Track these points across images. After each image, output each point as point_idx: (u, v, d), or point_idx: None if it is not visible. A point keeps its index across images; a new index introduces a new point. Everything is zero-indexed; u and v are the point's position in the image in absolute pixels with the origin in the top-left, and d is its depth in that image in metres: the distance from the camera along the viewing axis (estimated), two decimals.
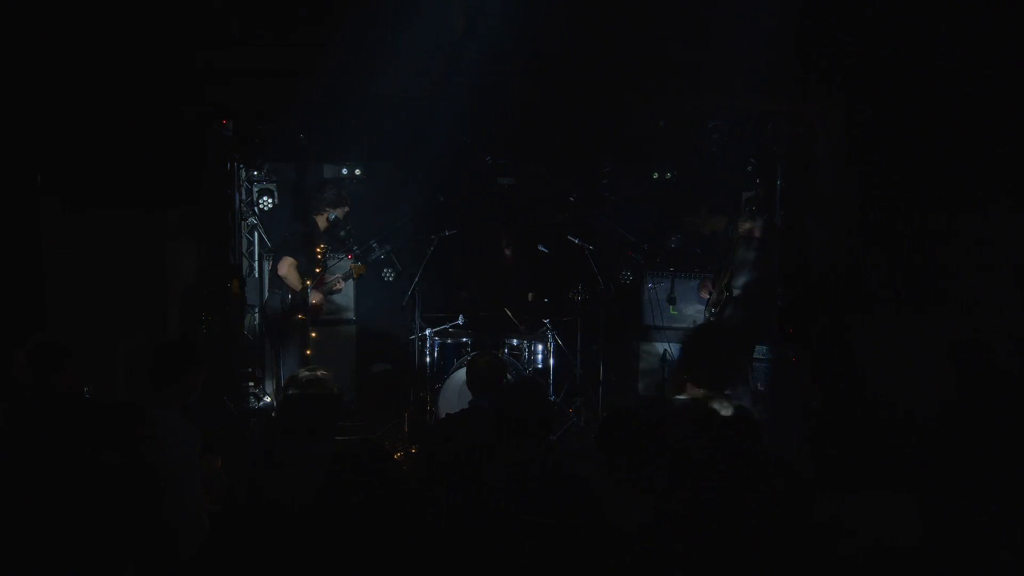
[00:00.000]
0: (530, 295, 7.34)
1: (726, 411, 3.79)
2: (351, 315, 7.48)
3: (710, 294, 6.20)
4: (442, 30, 5.28)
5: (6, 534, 2.90)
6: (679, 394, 3.93)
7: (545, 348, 6.66)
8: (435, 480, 3.51)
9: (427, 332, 6.72)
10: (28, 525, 2.93)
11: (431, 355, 6.68)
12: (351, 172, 7.59)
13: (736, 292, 5.91)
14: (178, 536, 3.28)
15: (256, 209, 7.27)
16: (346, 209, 6.73)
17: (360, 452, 3.25)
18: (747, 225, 5.75)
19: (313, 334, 6.15)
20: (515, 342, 6.74)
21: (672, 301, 7.06)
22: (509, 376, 3.62)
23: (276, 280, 6.55)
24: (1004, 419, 3.18)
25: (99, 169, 5.44)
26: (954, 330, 4.16)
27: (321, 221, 6.67)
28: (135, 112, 5.49)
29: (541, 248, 7.26)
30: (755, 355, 6.55)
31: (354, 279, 6.98)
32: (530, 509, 2.89)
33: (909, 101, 4.47)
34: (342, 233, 7.53)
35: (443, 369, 6.63)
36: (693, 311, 6.98)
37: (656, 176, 7.57)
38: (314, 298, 6.49)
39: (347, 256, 7.50)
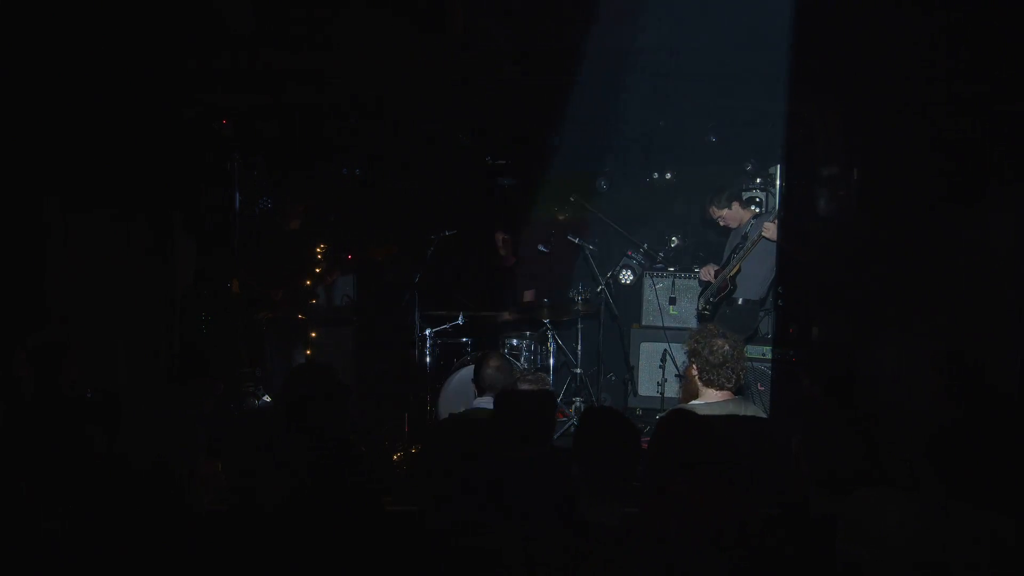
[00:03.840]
0: (530, 295, 7.35)
1: (749, 411, 3.80)
2: (351, 315, 7.48)
3: (711, 279, 6.20)
4: (441, 30, 5.28)
5: (6, 534, 2.90)
6: (694, 399, 3.91)
7: (545, 348, 6.66)
8: (434, 481, 3.51)
9: (427, 332, 6.72)
10: (28, 525, 2.93)
11: (431, 355, 6.69)
12: (351, 172, 7.60)
13: (738, 291, 5.91)
14: (177, 534, 3.27)
15: (256, 209, 7.26)
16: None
17: (345, 451, 3.26)
18: (772, 229, 5.74)
19: (313, 334, 6.16)
20: (515, 342, 6.74)
21: (672, 301, 7.07)
22: (523, 383, 3.59)
23: None
24: (1002, 422, 3.18)
25: (100, 169, 5.44)
26: (953, 333, 4.16)
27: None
28: (136, 112, 5.49)
29: (541, 248, 7.27)
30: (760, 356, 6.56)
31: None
32: (525, 509, 2.89)
33: (909, 102, 4.47)
34: (343, 233, 7.54)
35: (443, 369, 6.63)
36: (693, 311, 6.98)
37: (656, 176, 7.58)
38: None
39: (347, 256, 7.51)
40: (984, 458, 2.64)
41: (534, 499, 2.94)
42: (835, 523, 2.66)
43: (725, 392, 3.78)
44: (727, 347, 3.77)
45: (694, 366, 3.85)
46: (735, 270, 5.92)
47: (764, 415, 3.91)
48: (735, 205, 6.18)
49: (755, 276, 5.91)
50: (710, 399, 3.79)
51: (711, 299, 6.04)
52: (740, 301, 5.91)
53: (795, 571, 2.68)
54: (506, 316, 7.01)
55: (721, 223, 6.31)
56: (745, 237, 5.99)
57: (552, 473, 3.09)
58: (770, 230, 5.72)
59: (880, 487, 2.74)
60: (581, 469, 2.83)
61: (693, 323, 6.69)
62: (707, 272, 6.24)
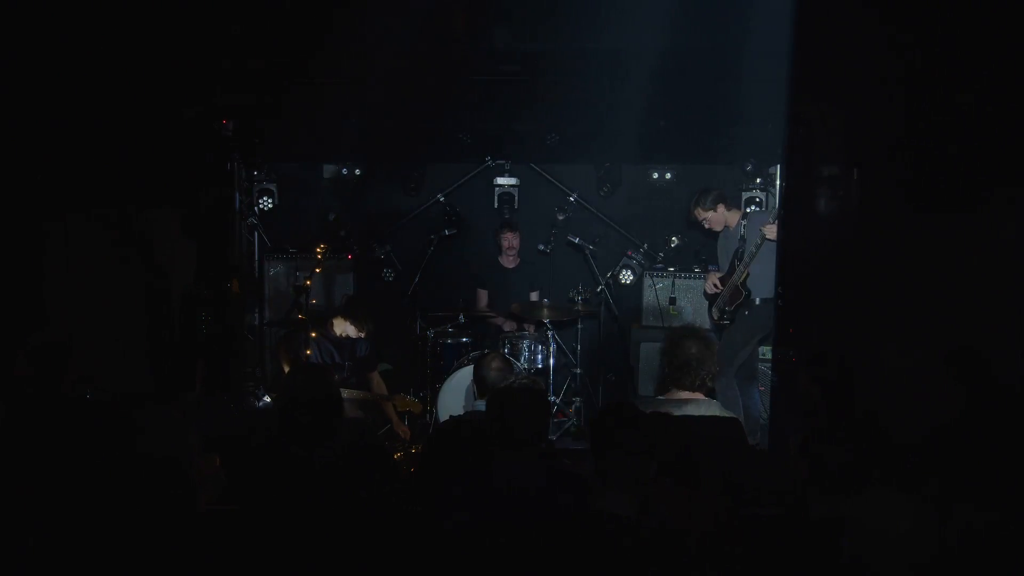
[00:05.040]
0: (531, 295, 7.35)
1: (709, 411, 3.83)
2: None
3: (717, 289, 6.18)
4: (442, 29, 5.28)
5: (7, 533, 2.90)
6: (661, 395, 3.98)
7: (545, 348, 6.66)
8: (435, 481, 3.50)
9: (428, 332, 6.73)
10: (29, 524, 2.93)
11: (431, 355, 6.69)
12: (351, 172, 7.60)
13: (753, 293, 5.91)
14: (175, 533, 3.28)
15: (256, 209, 7.27)
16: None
17: (364, 453, 3.26)
18: (774, 230, 5.76)
19: (313, 334, 6.15)
20: (515, 342, 6.75)
21: (672, 301, 7.07)
22: (510, 381, 3.59)
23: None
24: (1004, 424, 3.18)
25: (99, 169, 5.44)
26: (954, 334, 4.16)
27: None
28: (135, 112, 5.49)
29: (541, 248, 7.28)
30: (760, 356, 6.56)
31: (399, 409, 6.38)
32: (526, 510, 2.88)
33: (910, 102, 4.47)
34: (342, 233, 7.53)
35: (443, 369, 6.63)
36: (693, 311, 6.98)
37: (656, 176, 7.58)
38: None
39: (347, 256, 7.51)
40: (987, 457, 2.64)
41: (531, 498, 2.94)
42: (835, 524, 2.67)
43: (688, 392, 3.83)
44: (693, 350, 3.81)
45: (663, 364, 3.93)
46: (744, 276, 5.91)
47: (729, 416, 3.94)
48: (720, 207, 6.21)
49: (767, 274, 5.91)
50: (672, 397, 3.86)
51: (726, 308, 6.02)
52: (758, 301, 5.91)
53: (794, 571, 2.68)
54: (507, 326, 7.04)
55: (706, 225, 6.34)
56: (743, 240, 5.99)
57: (547, 472, 3.09)
58: (773, 231, 5.73)
59: (884, 488, 2.74)
60: (598, 462, 2.84)
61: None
62: (711, 284, 6.23)
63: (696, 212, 6.29)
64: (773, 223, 5.76)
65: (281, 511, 3.03)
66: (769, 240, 5.76)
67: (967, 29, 3.89)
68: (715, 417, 3.81)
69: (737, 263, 6.01)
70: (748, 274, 5.92)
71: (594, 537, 2.69)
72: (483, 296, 7.40)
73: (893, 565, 2.58)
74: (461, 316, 6.81)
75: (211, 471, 3.78)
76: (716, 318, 6.17)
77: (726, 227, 6.26)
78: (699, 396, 3.86)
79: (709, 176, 7.45)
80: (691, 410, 3.77)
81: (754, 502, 3.11)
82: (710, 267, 6.92)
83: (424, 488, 3.39)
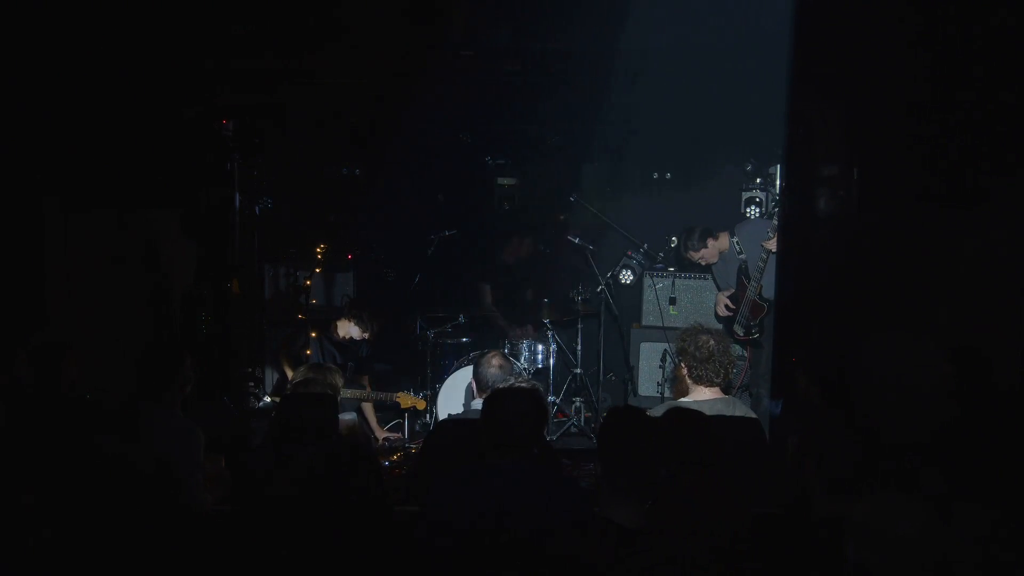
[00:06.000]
0: (530, 294, 7.35)
1: (736, 411, 3.82)
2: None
3: (732, 310, 6.17)
4: (443, 29, 5.28)
5: (6, 532, 2.90)
6: (684, 397, 3.94)
7: (545, 348, 6.66)
8: (431, 481, 3.50)
9: (428, 333, 6.73)
10: (28, 523, 2.93)
11: (431, 355, 6.69)
12: (351, 172, 7.60)
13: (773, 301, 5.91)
14: (178, 534, 3.28)
15: (256, 209, 7.27)
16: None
17: (354, 451, 3.26)
18: (775, 243, 5.76)
19: (313, 334, 6.15)
20: (515, 342, 6.75)
21: (672, 301, 7.06)
22: (508, 383, 3.58)
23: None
24: (1004, 423, 3.18)
25: (99, 169, 5.44)
26: (954, 331, 4.16)
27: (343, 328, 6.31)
28: (135, 112, 5.49)
29: (541, 248, 7.28)
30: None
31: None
32: (521, 512, 2.88)
33: (910, 100, 4.47)
34: (342, 233, 7.52)
35: (443, 369, 6.63)
36: (693, 311, 6.97)
37: (656, 176, 7.58)
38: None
39: (347, 256, 7.52)
40: (987, 457, 2.64)
41: (527, 500, 2.93)
42: (835, 525, 2.66)
43: (714, 389, 3.83)
44: (712, 342, 3.83)
45: (683, 364, 3.91)
46: (759, 289, 5.91)
47: (753, 415, 3.93)
48: (710, 241, 6.23)
49: None
50: (699, 397, 3.83)
51: (751, 324, 6.01)
52: None
53: (797, 571, 2.68)
54: (515, 330, 7.04)
55: (702, 262, 6.36)
56: (742, 254, 6.01)
57: (544, 474, 3.08)
58: (775, 245, 5.74)
59: (885, 489, 2.74)
60: (604, 468, 2.83)
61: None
62: (723, 307, 6.22)
63: (689, 255, 6.34)
64: (772, 237, 5.77)
65: (277, 511, 3.03)
66: (774, 254, 5.77)
67: (968, 26, 3.88)
68: (742, 418, 3.80)
69: (745, 280, 6.01)
70: (762, 286, 5.92)
71: (596, 541, 2.68)
72: (487, 292, 7.39)
73: (894, 566, 2.57)
74: (461, 316, 6.81)
75: (215, 471, 3.78)
76: (742, 334, 6.14)
77: (721, 253, 6.29)
78: (720, 393, 3.86)
79: (709, 176, 7.44)
80: (721, 408, 3.75)
81: (756, 502, 3.11)
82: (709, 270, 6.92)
83: (420, 488, 3.39)
